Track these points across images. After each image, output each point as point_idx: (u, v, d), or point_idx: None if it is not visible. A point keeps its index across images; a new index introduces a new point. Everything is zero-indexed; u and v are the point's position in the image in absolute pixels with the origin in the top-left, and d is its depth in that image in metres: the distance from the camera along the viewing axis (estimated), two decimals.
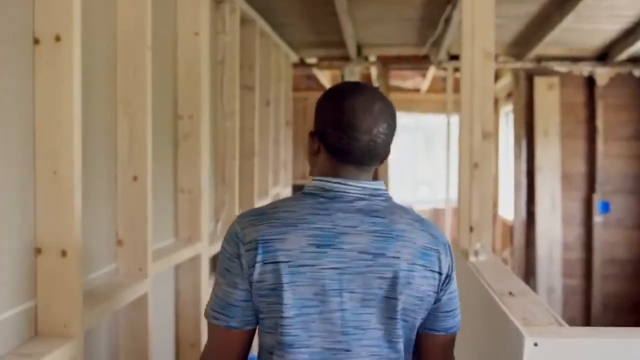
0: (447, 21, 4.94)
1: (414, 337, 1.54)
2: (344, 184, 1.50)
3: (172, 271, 3.09)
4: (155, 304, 2.62)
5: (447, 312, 1.56)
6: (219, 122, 3.72)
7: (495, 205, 10.41)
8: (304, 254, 1.43)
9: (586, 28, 5.54)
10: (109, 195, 2.38)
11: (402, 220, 1.50)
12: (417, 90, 10.22)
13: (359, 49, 6.43)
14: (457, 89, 9.60)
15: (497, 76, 8.85)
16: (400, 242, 1.47)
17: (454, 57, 6.54)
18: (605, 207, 6.58)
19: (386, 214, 1.50)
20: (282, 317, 1.43)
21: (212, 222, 3.64)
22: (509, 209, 9.45)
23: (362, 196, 1.50)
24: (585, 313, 6.62)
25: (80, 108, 1.83)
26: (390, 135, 1.53)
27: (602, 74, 6.48)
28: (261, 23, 4.71)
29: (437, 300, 1.53)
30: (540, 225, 6.69)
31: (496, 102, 10.35)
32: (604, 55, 6.40)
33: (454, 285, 1.56)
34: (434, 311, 1.54)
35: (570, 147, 6.55)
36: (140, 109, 2.38)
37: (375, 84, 7.07)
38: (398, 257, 1.46)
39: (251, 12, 4.34)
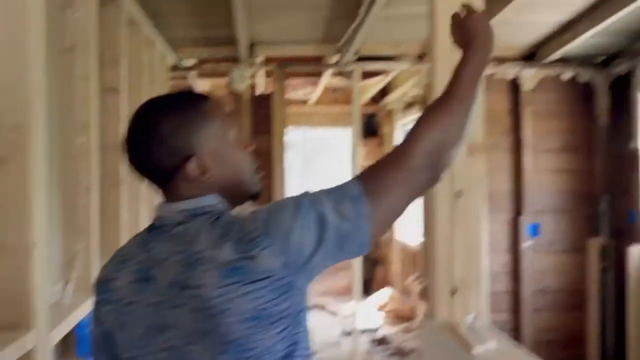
0: (369, 6, 3.93)
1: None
2: (162, 210, 1.39)
3: None
4: None
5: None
6: (65, 137, 2.53)
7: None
8: (130, 291, 1.36)
9: (521, 21, 4.71)
10: None
11: (206, 239, 1.30)
12: (306, 102, 9.26)
13: (251, 48, 5.33)
14: (348, 100, 8.81)
15: (395, 84, 8.02)
16: (201, 267, 1.28)
17: (363, 59, 5.57)
18: (535, 229, 5.78)
19: (196, 236, 1.32)
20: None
21: (58, 285, 2.45)
22: (409, 232, 8.68)
23: (181, 220, 1.35)
24: None
25: None
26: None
27: (529, 77, 5.68)
28: (130, 6, 3.54)
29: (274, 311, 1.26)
30: None
31: (389, 114, 9.57)
32: (531, 56, 5.61)
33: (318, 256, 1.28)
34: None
35: (494, 161, 5.68)
36: None
37: (269, 91, 6.00)
38: (202, 286, 1.26)
39: None
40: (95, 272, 2.51)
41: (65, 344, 2.49)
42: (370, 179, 1.35)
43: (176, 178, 1.36)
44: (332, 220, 1.28)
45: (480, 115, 2.15)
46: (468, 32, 1.57)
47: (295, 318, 1.29)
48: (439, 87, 2.10)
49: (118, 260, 1.40)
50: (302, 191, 1.34)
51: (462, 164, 2.11)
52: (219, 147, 1.38)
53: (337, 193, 1.32)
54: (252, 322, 1.25)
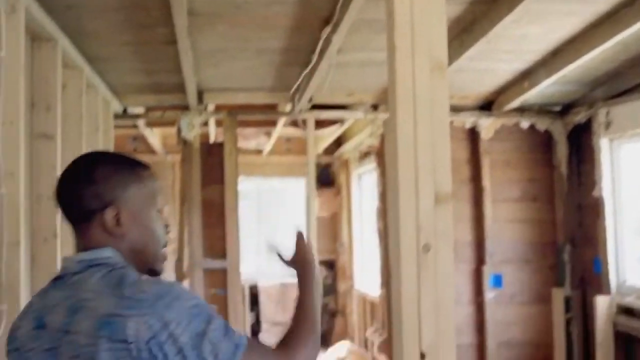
0: (322, 52, 3.75)
1: None
2: (66, 261, 1.48)
3: None
4: None
5: None
6: None
7: (349, 277, 9.34)
8: (28, 338, 1.42)
9: (478, 68, 4.59)
10: None
11: (91, 287, 1.38)
12: (259, 152, 9.06)
13: (200, 95, 5.10)
14: (302, 150, 8.64)
15: (350, 134, 7.88)
16: (82, 314, 1.34)
17: (317, 107, 5.39)
18: (498, 280, 5.59)
19: (85, 285, 1.39)
20: None
21: None
22: (367, 281, 8.45)
23: (79, 270, 1.43)
24: None
25: None
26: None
27: (487, 126, 5.55)
28: (67, 47, 3.31)
29: None
30: None
31: (345, 164, 9.42)
32: (488, 104, 5.49)
33: (182, 339, 1.30)
34: None
35: (454, 211, 5.49)
36: None
37: (219, 138, 5.76)
38: (79, 332, 1.33)
39: (50, 27, 2.95)
40: None
41: None
42: (256, 349, 1.43)
43: (94, 222, 1.46)
44: (207, 340, 1.34)
45: (446, 162, 1.95)
46: (294, 258, 1.78)
47: None
48: (401, 135, 1.90)
49: (24, 311, 1.49)
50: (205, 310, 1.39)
51: (428, 214, 1.90)
52: (139, 210, 1.50)
53: (229, 331, 1.39)
54: None
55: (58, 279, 1.46)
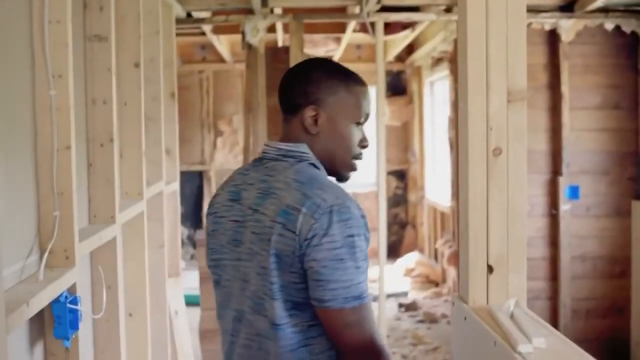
0: None
1: (300, 299, 1.55)
2: (267, 146, 1.70)
3: None
4: None
5: (315, 280, 1.51)
6: (36, 88, 2.17)
7: (421, 187, 9.19)
8: (223, 207, 1.69)
9: None
10: None
11: (282, 179, 1.58)
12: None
13: None
14: (372, 57, 8.36)
15: (422, 40, 7.57)
16: (271, 199, 1.56)
17: (387, 9, 5.13)
18: (575, 192, 5.34)
19: (276, 173, 1.61)
20: (208, 259, 1.74)
21: (32, 257, 2.12)
22: (439, 192, 8.30)
23: (275, 156, 1.66)
24: (552, 321, 5.38)
25: None
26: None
27: (568, 28, 5.20)
28: None
29: (302, 263, 1.52)
30: None
31: (417, 71, 9.13)
32: (569, 5, 5.12)
33: (320, 253, 1.50)
34: (308, 278, 1.53)
35: (529, 119, 5.22)
36: None
37: (287, 44, 5.57)
38: (265, 214, 1.55)
39: None
40: (74, 239, 2.20)
41: (40, 323, 2.17)
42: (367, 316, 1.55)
43: (297, 116, 1.68)
44: (340, 269, 1.51)
45: (521, 58, 1.75)
46: None
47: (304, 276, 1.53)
48: (472, 26, 1.71)
49: (226, 182, 1.76)
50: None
51: (499, 114, 1.72)
52: (337, 117, 1.67)
53: (360, 278, 1.53)
54: (278, 259, 1.53)
55: (257, 161, 1.70)
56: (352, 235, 1.50)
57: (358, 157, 1.72)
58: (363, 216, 1.55)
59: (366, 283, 1.54)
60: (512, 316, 1.58)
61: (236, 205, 1.64)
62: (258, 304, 1.57)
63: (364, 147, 1.73)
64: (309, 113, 1.65)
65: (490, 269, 1.72)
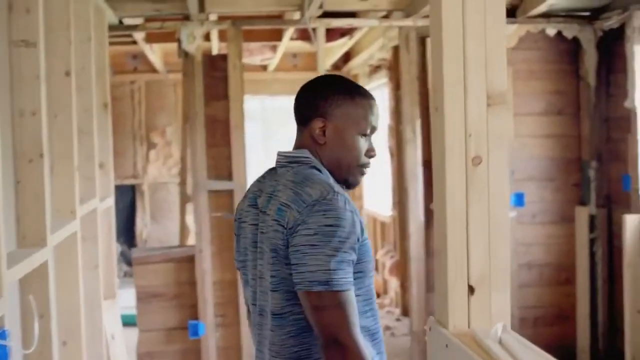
0: None
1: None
2: (278, 155, 1.86)
3: None
4: None
5: (292, 265, 1.65)
6: None
7: (359, 197, 9.06)
8: (245, 212, 1.88)
9: None
10: None
11: (283, 182, 1.76)
12: (264, 68, 8.63)
13: (201, 3, 4.69)
14: (309, 66, 8.22)
15: (359, 48, 7.47)
16: (273, 201, 1.74)
17: (328, 15, 4.99)
18: (520, 199, 5.28)
19: (280, 178, 1.79)
20: (236, 261, 1.94)
21: None
22: (379, 201, 8.19)
23: (284, 164, 1.82)
24: None
25: None
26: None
27: (511, 33, 5.14)
28: None
29: (287, 252, 1.68)
30: None
31: (355, 79, 9.03)
32: (511, 10, 5.07)
33: (297, 239, 1.64)
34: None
35: None
36: None
37: (223, 52, 5.36)
38: (268, 214, 1.74)
39: None
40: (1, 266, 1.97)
41: None
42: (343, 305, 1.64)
43: (306, 128, 1.83)
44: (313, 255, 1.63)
45: (501, 57, 1.62)
46: None
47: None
48: (448, 44, 1.57)
49: (249, 190, 1.93)
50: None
51: (478, 120, 1.57)
52: (343, 128, 1.81)
53: (339, 267, 1.63)
54: (275, 253, 1.70)
55: (272, 169, 1.87)
56: (330, 225, 1.61)
57: (365, 166, 1.85)
58: (351, 211, 1.65)
59: (347, 274, 1.62)
60: (500, 342, 1.43)
61: (253, 210, 1.82)
62: (269, 296, 1.73)
63: (372, 157, 1.85)
64: (317, 124, 1.80)
65: (471, 290, 1.57)
